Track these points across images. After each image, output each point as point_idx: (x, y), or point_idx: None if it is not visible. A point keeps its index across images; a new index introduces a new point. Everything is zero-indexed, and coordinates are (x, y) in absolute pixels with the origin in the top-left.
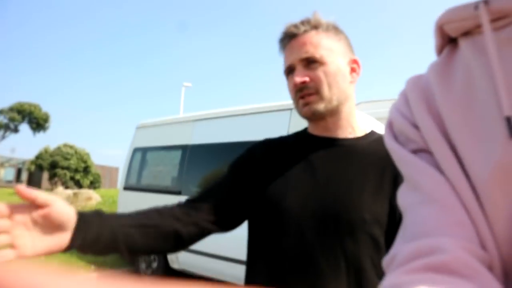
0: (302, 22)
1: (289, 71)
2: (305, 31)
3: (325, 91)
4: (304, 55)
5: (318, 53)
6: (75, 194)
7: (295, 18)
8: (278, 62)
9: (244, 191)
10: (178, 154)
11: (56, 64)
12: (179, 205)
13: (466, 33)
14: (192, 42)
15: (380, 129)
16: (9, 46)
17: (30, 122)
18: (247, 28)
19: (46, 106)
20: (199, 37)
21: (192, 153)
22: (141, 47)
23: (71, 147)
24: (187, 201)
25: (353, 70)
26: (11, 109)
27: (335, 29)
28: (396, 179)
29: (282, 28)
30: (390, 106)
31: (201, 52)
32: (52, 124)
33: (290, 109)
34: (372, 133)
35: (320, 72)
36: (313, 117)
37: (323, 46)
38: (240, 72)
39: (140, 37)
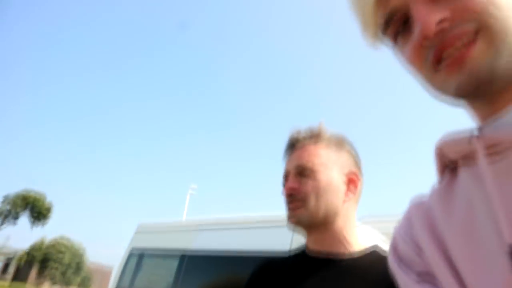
0: (305, 131)
1: (285, 178)
2: (305, 141)
3: (311, 202)
4: (297, 164)
5: (310, 164)
6: None
7: (303, 123)
8: None
9: None
10: (176, 260)
11: (64, 156)
12: None
13: (465, 156)
14: (205, 144)
15: (384, 243)
16: (20, 131)
17: (32, 211)
18: (270, 131)
19: (49, 194)
20: (212, 138)
21: (191, 261)
22: (150, 143)
23: (67, 240)
24: None
25: (350, 183)
26: (17, 196)
27: (337, 142)
28: None
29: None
30: (391, 222)
31: (212, 153)
32: (53, 214)
33: None
34: (370, 249)
35: (309, 183)
36: (298, 226)
37: (319, 157)
38: (252, 177)
39: (151, 132)
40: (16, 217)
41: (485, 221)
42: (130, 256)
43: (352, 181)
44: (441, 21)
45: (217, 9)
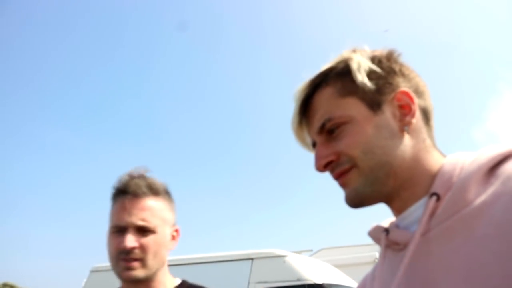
0: (143, 184)
1: (119, 230)
2: (144, 194)
3: (150, 260)
4: (140, 223)
5: (151, 224)
6: None
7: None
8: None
9: None
10: None
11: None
12: None
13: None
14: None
15: (337, 276)
16: None
17: None
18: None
19: None
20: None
21: None
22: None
23: (11, 286)
24: None
25: (173, 238)
26: None
27: (168, 196)
28: None
29: (118, 179)
30: (349, 252)
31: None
32: None
33: (251, 259)
34: (180, 285)
35: (150, 242)
36: (132, 282)
37: (159, 215)
38: (207, 215)
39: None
40: None
41: None
42: None
43: (173, 238)
44: (328, 162)
45: None
